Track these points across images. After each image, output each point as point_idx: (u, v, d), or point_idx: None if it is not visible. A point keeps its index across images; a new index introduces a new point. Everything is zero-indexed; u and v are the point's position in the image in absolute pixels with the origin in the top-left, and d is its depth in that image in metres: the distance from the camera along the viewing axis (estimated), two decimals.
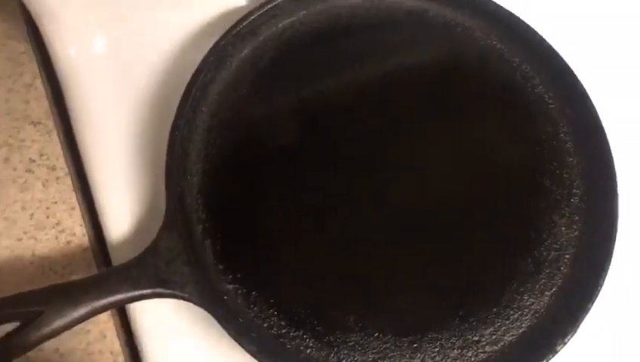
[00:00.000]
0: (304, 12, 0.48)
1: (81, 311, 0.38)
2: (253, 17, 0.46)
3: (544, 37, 0.48)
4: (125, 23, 0.47)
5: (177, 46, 0.48)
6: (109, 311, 0.43)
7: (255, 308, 0.42)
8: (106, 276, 0.40)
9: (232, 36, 0.46)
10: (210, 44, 0.46)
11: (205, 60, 0.45)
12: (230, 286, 0.42)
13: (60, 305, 0.37)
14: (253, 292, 0.42)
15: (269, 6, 0.47)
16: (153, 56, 0.47)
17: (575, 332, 0.42)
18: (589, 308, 0.42)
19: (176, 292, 0.40)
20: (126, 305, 0.42)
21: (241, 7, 0.48)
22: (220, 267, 0.42)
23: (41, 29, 0.46)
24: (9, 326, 0.37)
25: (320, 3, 0.48)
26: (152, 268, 0.40)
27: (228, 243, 0.43)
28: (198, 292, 0.40)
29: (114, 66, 0.47)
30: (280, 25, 0.48)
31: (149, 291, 0.40)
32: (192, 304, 0.41)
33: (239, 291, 0.42)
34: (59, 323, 0.37)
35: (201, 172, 0.44)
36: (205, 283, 0.41)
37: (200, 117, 0.45)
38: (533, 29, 0.48)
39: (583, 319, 0.42)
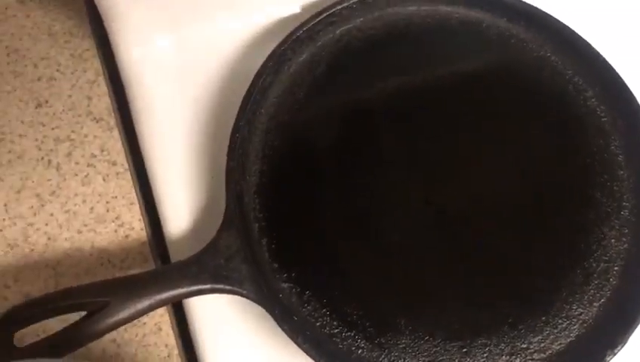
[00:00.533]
0: (361, 19, 0.49)
1: (145, 303, 0.39)
2: (311, 24, 0.47)
3: (598, 50, 0.48)
4: (188, 25, 0.48)
5: (238, 50, 0.49)
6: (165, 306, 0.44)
7: (309, 307, 0.43)
8: (167, 271, 0.41)
9: (291, 42, 0.47)
10: (269, 50, 0.47)
11: (265, 64, 0.46)
12: (285, 285, 0.43)
13: (125, 296, 0.39)
14: (307, 292, 0.43)
15: (326, 13, 0.48)
16: (214, 59, 0.48)
17: (625, 343, 0.42)
18: (638, 323, 0.43)
19: (235, 289, 0.41)
20: (183, 299, 0.43)
21: (296, 15, 0.49)
22: (275, 265, 0.43)
23: (107, 27, 0.47)
24: (76, 316, 0.38)
25: (377, 10, 0.49)
26: (212, 265, 0.41)
27: (283, 243, 0.44)
28: (255, 289, 0.41)
29: (176, 67, 0.48)
30: (337, 31, 0.49)
31: (208, 286, 0.41)
32: (246, 300, 0.42)
33: (293, 290, 0.43)
34: (123, 314, 0.38)
35: (258, 172, 0.45)
36: (261, 281, 0.42)
37: (259, 119, 0.46)
38: (587, 42, 0.49)
39: (632, 331, 0.42)
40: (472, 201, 0.46)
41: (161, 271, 0.41)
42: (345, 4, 0.48)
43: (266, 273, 0.43)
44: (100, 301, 0.38)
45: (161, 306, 0.40)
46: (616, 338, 0.42)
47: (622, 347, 0.42)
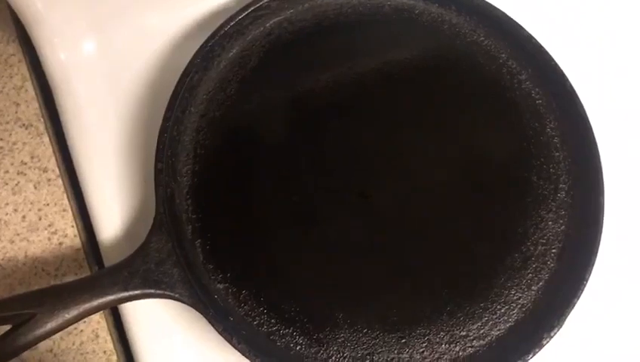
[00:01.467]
0: (291, 11, 0.48)
1: (73, 312, 0.38)
2: (239, 18, 0.47)
3: (531, 33, 0.48)
4: (114, 25, 0.47)
5: (166, 48, 0.48)
6: (101, 312, 0.43)
7: (245, 307, 0.42)
8: (96, 278, 0.40)
9: (219, 37, 0.46)
10: (198, 45, 0.46)
11: (192, 62, 0.45)
12: (220, 286, 0.43)
13: (51, 307, 0.38)
14: (244, 291, 0.43)
15: (255, 6, 0.47)
16: (142, 58, 0.48)
17: (561, 326, 0.42)
18: (575, 303, 0.43)
19: (167, 293, 0.41)
20: (117, 305, 0.42)
21: (225, 8, 0.48)
22: (210, 266, 0.43)
23: (29, 33, 0.46)
24: (1, 329, 0.38)
25: (307, 1, 0.49)
26: (142, 270, 0.41)
27: (218, 243, 0.44)
28: (188, 292, 0.41)
29: (103, 69, 0.47)
30: (267, 24, 0.48)
31: (139, 292, 0.40)
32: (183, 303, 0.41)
33: (229, 290, 0.43)
34: (51, 325, 0.38)
35: (190, 173, 0.45)
36: (195, 283, 0.41)
37: (189, 118, 0.46)
38: (520, 25, 0.48)
39: (568, 313, 0.43)
40: (408, 191, 0.45)
41: (89, 278, 0.40)
42: None
43: (200, 275, 0.42)
44: (25, 313, 0.37)
45: (90, 314, 0.39)
46: (553, 320, 0.43)
47: (558, 330, 0.42)
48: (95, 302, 0.39)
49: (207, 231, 0.44)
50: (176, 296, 0.41)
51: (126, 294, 0.40)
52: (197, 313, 0.41)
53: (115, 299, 0.40)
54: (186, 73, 0.45)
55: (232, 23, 0.46)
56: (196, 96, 0.46)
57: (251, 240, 0.44)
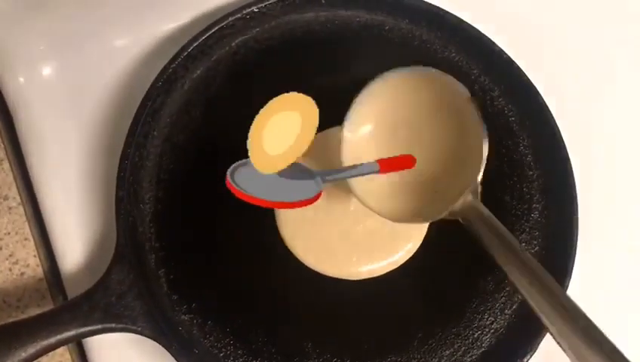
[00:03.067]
0: (257, 29, 0.47)
1: (30, 350, 0.37)
2: (203, 38, 0.45)
3: (503, 49, 0.47)
4: (74, 48, 0.46)
5: (128, 70, 0.47)
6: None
7: (211, 338, 0.41)
8: (55, 313, 0.39)
9: (182, 58, 0.45)
10: (161, 66, 0.45)
11: (154, 85, 0.44)
12: (185, 317, 0.42)
13: (7, 345, 0.37)
14: (209, 322, 0.42)
15: (219, 25, 0.46)
16: (104, 81, 0.46)
17: (535, 351, 0.42)
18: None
19: (128, 326, 0.40)
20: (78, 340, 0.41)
21: (193, 28, 0.46)
22: (175, 297, 0.42)
23: None
24: None
25: (273, 19, 0.47)
26: (103, 303, 0.40)
27: (182, 273, 0.43)
28: (150, 325, 0.40)
29: (64, 92, 0.46)
30: (233, 44, 0.47)
31: (99, 326, 0.39)
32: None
33: (194, 321, 0.42)
34: None
35: (153, 199, 0.44)
36: (158, 316, 0.40)
37: (152, 142, 0.44)
38: (491, 41, 0.47)
39: (543, 337, 0.42)
40: None
41: (47, 314, 0.39)
42: (238, 15, 0.46)
43: (164, 306, 0.41)
44: None
45: (50, 351, 0.38)
46: (527, 345, 0.42)
47: (532, 354, 0.41)
48: (53, 339, 0.38)
49: (171, 261, 0.43)
50: (139, 329, 0.40)
51: (86, 329, 0.39)
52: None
53: (75, 334, 0.39)
54: (147, 97, 0.44)
55: (195, 44, 0.45)
56: (159, 120, 0.45)
57: (217, 269, 0.43)
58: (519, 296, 0.44)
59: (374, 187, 0.40)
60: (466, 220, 0.36)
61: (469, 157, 0.38)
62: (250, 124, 0.45)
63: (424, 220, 0.40)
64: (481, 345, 0.43)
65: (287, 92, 0.45)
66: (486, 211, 0.35)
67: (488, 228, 0.35)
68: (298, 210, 0.38)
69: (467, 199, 0.36)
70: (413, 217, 0.39)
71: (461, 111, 0.39)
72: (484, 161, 0.36)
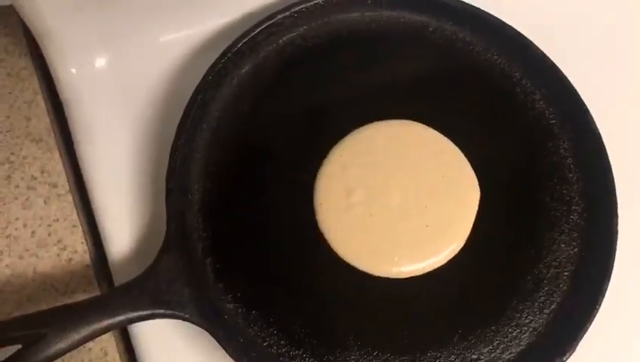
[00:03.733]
0: (304, 27, 0.48)
1: (83, 333, 0.38)
2: (252, 34, 0.46)
3: (545, 52, 0.47)
4: (126, 41, 0.47)
5: (179, 64, 0.48)
6: None
7: (255, 327, 0.42)
8: (106, 298, 0.40)
9: (231, 54, 0.46)
10: (211, 61, 0.46)
11: (204, 79, 0.45)
12: (230, 306, 0.42)
13: (61, 327, 0.38)
14: (254, 311, 0.42)
15: (267, 23, 0.47)
16: (155, 75, 0.47)
17: (573, 351, 0.42)
18: (588, 327, 0.42)
19: (176, 313, 0.40)
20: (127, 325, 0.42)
21: (243, 25, 0.47)
22: (220, 286, 0.43)
23: (41, 46, 0.46)
24: (12, 349, 0.37)
25: (319, 18, 0.48)
26: (152, 289, 0.40)
27: (228, 262, 0.43)
28: (198, 312, 0.41)
29: (115, 84, 0.47)
30: (280, 41, 0.48)
31: (148, 312, 0.40)
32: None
33: (239, 310, 0.42)
34: (61, 345, 0.37)
35: (202, 190, 0.44)
36: (205, 303, 0.41)
37: (201, 135, 0.45)
38: (534, 44, 0.48)
39: (581, 338, 0.42)
40: None
41: (99, 298, 0.40)
42: (286, 13, 0.47)
43: (211, 294, 0.42)
44: (35, 333, 0.37)
45: (100, 335, 0.39)
46: (566, 345, 0.42)
47: (570, 355, 0.42)
48: (105, 323, 0.39)
49: (217, 250, 0.43)
50: (186, 316, 0.40)
51: (135, 314, 0.40)
52: (207, 333, 0.41)
53: (125, 319, 0.39)
54: (197, 91, 0.45)
55: (244, 40, 0.46)
56: (208, 114, 0.46)
57: (262, 260, 0.43)
58: (557, 296, 0.44)
59: None
60: None
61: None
62: (296, 120, 0.46)
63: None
64: (520, 343, 0.43)
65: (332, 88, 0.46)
66: None
67: None
68: (339, 205, 0.41)
69: None
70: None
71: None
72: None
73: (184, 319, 0.40)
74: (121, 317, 0.39)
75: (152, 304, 0.40)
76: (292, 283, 0.43)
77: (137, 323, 0.42)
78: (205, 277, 0.43)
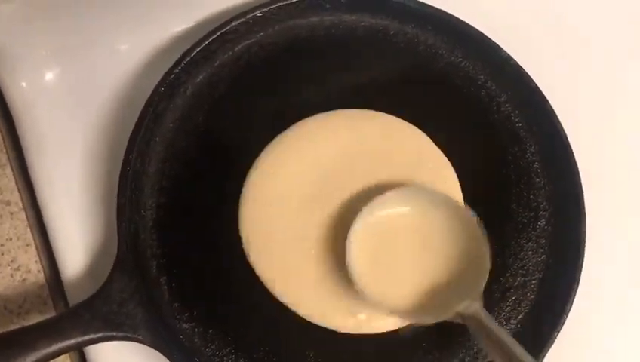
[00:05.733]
0: (261, 34, 0.47)
1: (30, 359, 0.37)
2: (206, 43, 0.45)
3: (510, 54, 0.46)
4: (77, 53, 0.46)
5: (131, 75, 0.46)
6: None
7: (212, 346, 0.41)
8: (54, 322, 0.39)
9: (184, 64, 0.44)
10: (165, 69, 0.45)
11: (156, 90, 0.43)
12: (186, 325, 0.41)
13: (7, 354, 0.36)
14: (210, 331, 0.41)
15: (222, 30, 0.45)
16: (107, 87, 0.46)
17: (542, 360, 0.41)
18: (556, 337, 0.41)
19: (129, 335, 0.39)
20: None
21: (196, 33, 0.46)
22: (176, 305, 0.42)
23: None
24: None
25: (277, 24, 0.47)
26: (104, 311, 0.39)
27: (184, 280, 0.42)
28: (151, 333, 0.40)
29: (66, 97, 0.46)
30: (236, 49, 0.46)
31: (100, 335, 0.39)
32: None
33: (196, 329, 0.41)
34: None
35: (155, 206, 0.43)
36: (159, 324, 0.40)
37: (154, 148, 0.44)
38: (498, 46, 0.46)
39: (549, 348, 0.41)
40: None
41: (47, 322, 0.39)
42: (241, 20, 0.46)
43: (165, 314, 0.41)
44: None
45: (50, 359, 0.38)
46: (534, 355, 0.41)
47: None
48: (54, 347, 0.38)
49: (172, 268, 0.42)
50: (139, 338, 0.39)
51: (86, 338, 0.38)
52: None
53: (75, 343, 0.38)
54: (149, 103, 0.43)
55: (198, 49, 0.45)
56: (161, 126, 0.44)
57: (218, 277, 0.42)
58: (525, 306, 0.43)
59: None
60: (468, 323, 0.38)
61: (472, 268, 0.40)
62: (253, 131, 0.45)
63: (427, 321, 0.40)
64: (487, 355, 0.42)
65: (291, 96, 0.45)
66: (488, 320, 0.37)
67: (489, 335, 0.36)
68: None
69: (471, 306, 0.37)
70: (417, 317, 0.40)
71: (465, 228, 0.40)
72: (487, 273, 0.39)
73: (137, 341, 0.39)
74: (71, 342, 0.38)
75: (104, 326, 0.39)
76: (249, 301, 0.42)
77: (94, 346, 0.41)
78: (160, 296, 0.41)
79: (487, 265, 0.39)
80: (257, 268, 0.41)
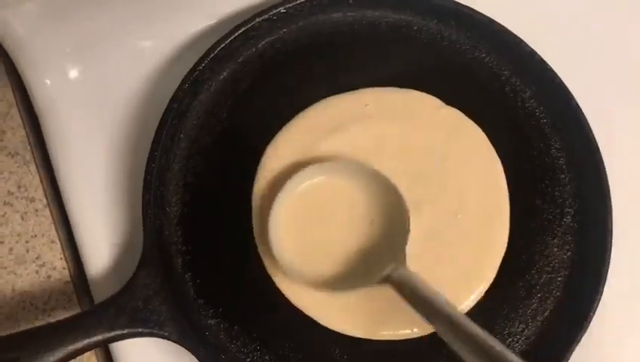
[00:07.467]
0: (284, 30, 0.46)
1: (58, 355, 0.37)
2: (229, 40, 0.45)
3: (534, 49, 0.46)
4: (100, 49, 0.46)
5: (155, 72, 0.46)
6: None
7: (238, 343, 0.41)
8: (81, 318, 0.39)
9: (208, 60, 0.44)
10: (189, 67, 0.45)
11: (181, 87, 0.43)
12: (212, 321, 0.41)
13: (35, 350, 0.37)
14: (236, 327, 0.41)
15: (245, 27, 0.45)
16: (130, 83, 0.46)
17: (568, 359, 0.41)
18: (582, 335, 0.41)
19: (155, 331, 0.39)
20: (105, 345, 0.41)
21: (220, 30, 0.46)
22: (201, 301, 0.42)
23: (13, 58, 0.45)
24: None
25: (300, 20, 0.47)
26: (129, 308, 0.39)
27: (209, 276, 0.42)
28: (177, 329, 0.40)
29: (90, 94, 0.46)
30: (259, 45, 0.46)
31: (126, 331, 0.39)
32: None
33: (221, 325, 0.41)
34: None
35: (180, 202, 0.43)
36: (185, 320, 0.40)
37: (178, 145, 0.44)
38: (522, 41, 0.46)
39: (576, 346, 0.41)
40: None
41: (74, 318, 0.39)
42: (265, 16, 0.46)
43: (191, 311, 0.41)
44: (8, 357, 0.36)
45: (76, 356, 0.38)
46: (560, 353, 0.41)
47: None
48: (80, 344, 0.38)
49: (197, 264, 0.42)
50: (165, 334, 0.39)
51: (112, 334, 0.39)
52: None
53: (101, 339, 0.38)
54: (174, 99, 0.43)
55: (222, 46, 0.45)
56: (186, 123, 0.44)
57: (243, 274, 0.42)
58: (550, 303, 0.43)
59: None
60: (396, 288, 0.38)
61: (394, 232, 0.41)
62: (277, 127, 0.44)
63: (352, 288, 0.40)
64: (513, 352, 0.42)
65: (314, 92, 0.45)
66: (414, 280, 0.38)
67: (413, 293, 0.37)
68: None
69: (397, 269, 0.38)
70: (339, 286, 0.40)
71: (385, 194, 0.41)
72: (408, 234, 0.40)
73: (163, 337, 0.40)
74: (98, 338, 0.38)
75: (129, 323, 0.39)
76: (274, 298, 0.42)
77: (119, 342, 0.41)
78: (185, 292, 0.41)
79: (407, 227, 0.40)
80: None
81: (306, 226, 0.42)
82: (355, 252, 0.41)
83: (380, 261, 0.40)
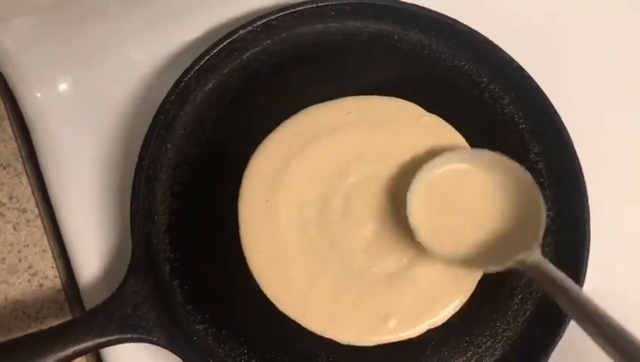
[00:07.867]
0: (268, 42, 0.48)
1: (49, 361, 0.38)
2: (214, 51, 0.46)
3: (513, 57, 0.47)
4: (89, 62, 0.47)
5: (143, 84, 0.47)
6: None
7: (225, 347, 0.42)
8: (71, 324, 0.40)
9: (194, 72, 0.45)
10: (175, 78, 0.46)
11: (167, 98, 0.44)
12: (200, 327, 0.42)
13: (26, 356, 0.38)
14: (223, 331, 0.42)
15: (230, 39, 0.46)
16: (119, 95, 0.47)
17: (548, 358, 0.42)
18: (562, 334, 0.42)
19: (144, 337, 0.40)
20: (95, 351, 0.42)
21: (205, 42, 0.47)
22: (189, 307, 0.43)
23: (3, 72, 0.46)
24: None
25: (283, 31, 0.48)
26: (119, 314, 0.40)
27: (197, 283, 0.43)
28: (166, 335, 0.40)
29: (80, 107, 0.47)
30: (244, 57, 0.47)
31: (115, 337, 0.40)
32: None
33: (209, 330, 0.42)
34: None
35: (167, 211, 0.44)
36: (173, 326, 0.41)
37: (165, 154, 0.45)
38: (501, 49, 0.47)
39: (555, 345, 0.42)
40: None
41: (64, 325, 0.40)
42: (248, 28, 0.47)
43: (179, 316, 0.42)
44: None
45: None
46: (540, 353, 0.42)
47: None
48: (71, 350, 0.39)
49: (185, 271, 0.43)
50: (154, 339, 0.40)
51: (102, 340, 0.39)
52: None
53: (91, 345, 0.39)
54: (161, 110, 0.44)
55: (207, 57, 0.46)
56: (173, 133, 0.45)
57: (231, 280, 0.43)
58: (531, 304, 0.44)
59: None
60: (529, 271, 0.40)
61: (530, 221, 0.42)
62: (262, 137, 0.46)
63: (490, 269, 0.42)
64: (494, 352, 0.43)
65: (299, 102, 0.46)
66: (549, 267, 0.39)
67: (552, 281, 0.39)
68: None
69: (532, 255, 0.40)
70: (477, 266, 0.43)
71: (521, 186, 0.43)
72: (544, 225, 0.41)
73: (152, 342, 0.40)
74: (88, 344, 0.39)
75: (119, 329, 0.40)
76: (261, 303, 0.43)
77: (109, 348, 0.42)
78: (173, 299, 0.42)
79: (543, 217, 0.41)
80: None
81: (438, 210, 0.44)
82: (484, 240, 0.43)
83: (510, 249, 0.41)
